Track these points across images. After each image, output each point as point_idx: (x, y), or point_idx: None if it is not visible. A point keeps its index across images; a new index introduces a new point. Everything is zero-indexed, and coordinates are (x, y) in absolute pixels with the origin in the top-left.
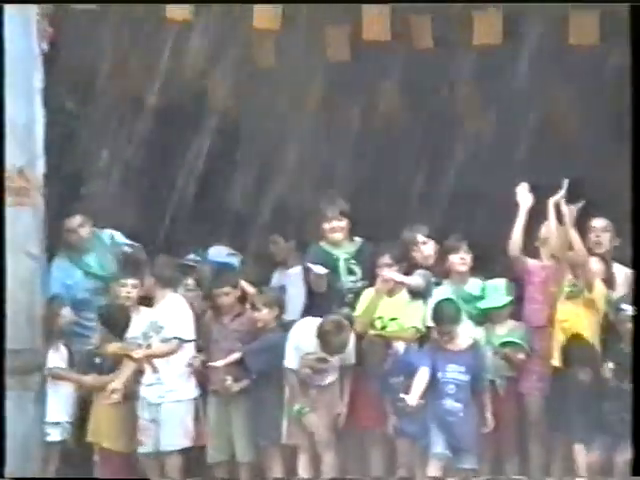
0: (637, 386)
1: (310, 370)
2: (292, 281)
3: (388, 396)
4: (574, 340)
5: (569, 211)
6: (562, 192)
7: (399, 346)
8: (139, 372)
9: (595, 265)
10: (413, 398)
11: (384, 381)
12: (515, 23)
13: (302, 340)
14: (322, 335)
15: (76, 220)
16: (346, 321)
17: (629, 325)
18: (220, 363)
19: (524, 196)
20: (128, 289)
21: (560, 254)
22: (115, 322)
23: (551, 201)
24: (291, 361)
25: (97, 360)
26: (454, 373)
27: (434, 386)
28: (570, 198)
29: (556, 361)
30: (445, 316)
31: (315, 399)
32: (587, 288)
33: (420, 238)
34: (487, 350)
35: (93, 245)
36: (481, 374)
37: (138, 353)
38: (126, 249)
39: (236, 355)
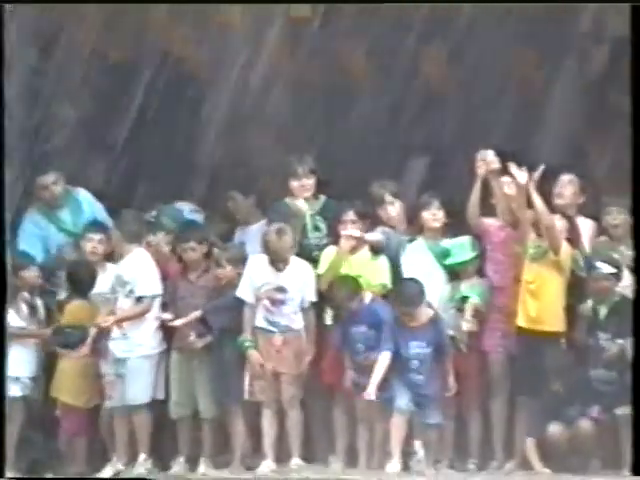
0: (637, 386)
1: (268, 301)
2: (253, 238)
3: (348, 348)
4: (545, 339)
5: (527, 175)
6: (490, 163)
7: (366, 295)
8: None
9: (558, 223)
10: (372, 390)
11: (346, 331)
12: None
13: (256, 272)
14: (266, 243)
15: (49, 177)
16: (288, 227)
17: (605, 283)
18: (179, 322)
19: (480, 164)
20: (94, 244)
21: (520, 215)
22: (81, 278)
23: (482, 171)
24: (244, 292)
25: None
26: (416, 349)
27: (398, 361)
28: (532, 161)
29: (521, 321)
30: (409, 297)
31: (281, 349)
32: (554, 250)
33: (388, 198)
34: (449, 308)
35: (66, 202)
36: (442, 344)
37: (108, 321)
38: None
39: (196, 313)
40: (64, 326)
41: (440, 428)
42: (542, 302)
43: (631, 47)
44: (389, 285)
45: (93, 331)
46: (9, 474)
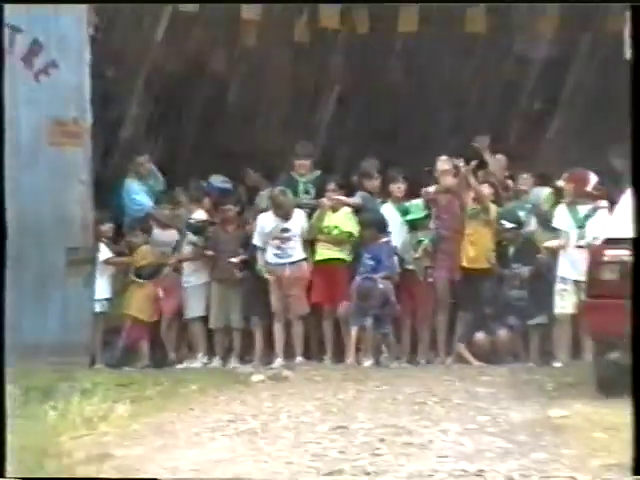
0: (637, 384)
1: (279, 241)
2: (263, 201)
3: (360, 271)
4: (480, 274)
5: (464, 169)
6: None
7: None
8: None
9: (486, 190)
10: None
11: (360, 260)
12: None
13: (264, 223)
14: (274, 200)
15: (144, 157)
16: (287, 189)
17: (507, 234)
18: (236, 259)
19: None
20: (170, 206)
21: (462, 191)
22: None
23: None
24: (257, 239)
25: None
26: (367, 260)
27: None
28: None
29: (464, 262)
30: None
31: (290, 277)
32: (484, 211)
33: (374, 174)
34: (410, 250)
35: (151, 175)
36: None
37: (172, 260)
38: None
39: (242, 256)
40: (141, 263)
41: (391, 335)
42: (477, 248)
43: (631, 47)
44: (356, 234)
45: (164, 267)
46: (98, 366)
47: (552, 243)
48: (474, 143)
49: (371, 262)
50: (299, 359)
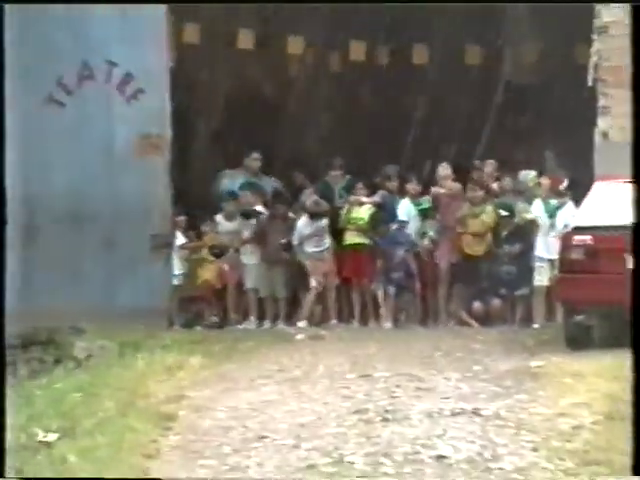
0: (637, 383)
1: (317, 237)
2: (306, 197)
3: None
4: (478, 258)
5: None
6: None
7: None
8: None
9: (479, 193)
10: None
11: (383, 245)
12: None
13: (302, 227)
14: (310, 209)
15: (256, 155)
16: (321, 200)
17: (502, 220)
18: (284, 240)
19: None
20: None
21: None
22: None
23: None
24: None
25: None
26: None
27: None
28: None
29: (466, 250)
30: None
31: (325, 259)
32: (474, 217)
33: (393, 177)
34: (419, 235)
35: (258, 174)
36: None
37: (237, 243)
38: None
39: (286, 239)
40: (212, 245)
41: (411, 303)
42: (475, 240)
43: (631, 46)
44: (376, 224)
45: (230, 250)
46: (175, 327)
47: (529, 215)
48: (475, 162)
49: (390, 246)
50: (333, 322)
